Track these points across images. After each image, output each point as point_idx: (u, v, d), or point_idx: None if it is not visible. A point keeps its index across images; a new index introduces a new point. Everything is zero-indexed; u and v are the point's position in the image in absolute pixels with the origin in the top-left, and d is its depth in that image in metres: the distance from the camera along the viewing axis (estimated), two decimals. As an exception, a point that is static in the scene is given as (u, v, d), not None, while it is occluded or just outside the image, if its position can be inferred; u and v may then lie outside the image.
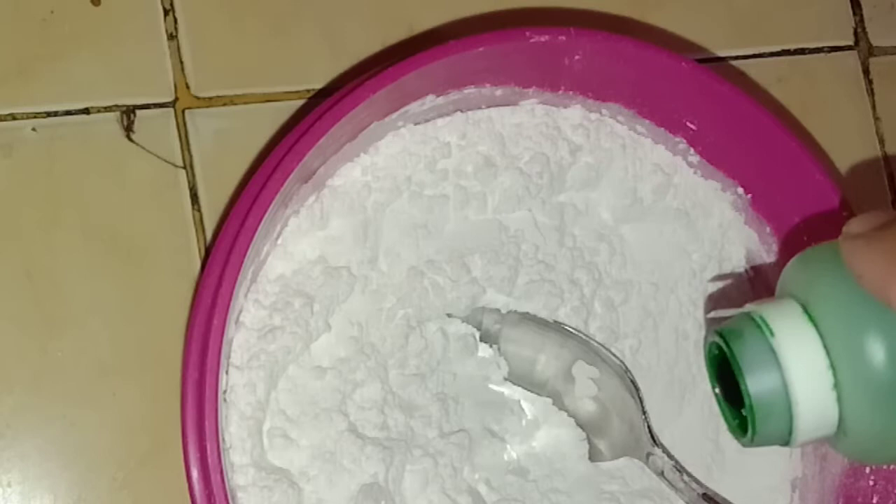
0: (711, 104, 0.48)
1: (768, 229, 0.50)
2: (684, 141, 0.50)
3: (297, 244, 0.45)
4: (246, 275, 0.42)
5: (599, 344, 0.48)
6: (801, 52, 0.58)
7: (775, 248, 0.50)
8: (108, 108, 0.48)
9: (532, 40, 0.44)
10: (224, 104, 0.50)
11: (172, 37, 0.49)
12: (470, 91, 0.46)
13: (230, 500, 0.40)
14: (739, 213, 0.51)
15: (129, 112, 0.48)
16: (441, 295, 0.47)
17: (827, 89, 0.58)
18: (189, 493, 0.39)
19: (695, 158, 0.50)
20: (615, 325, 0.50)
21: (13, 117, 0.47)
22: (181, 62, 0.49)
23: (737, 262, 0.51)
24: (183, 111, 0.49)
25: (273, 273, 0.45)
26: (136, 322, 0.47)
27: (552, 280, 0.48)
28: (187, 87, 0.49)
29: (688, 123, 0.49)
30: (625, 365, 0.48)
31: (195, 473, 0.39)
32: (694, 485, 0.46)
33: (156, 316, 0.47)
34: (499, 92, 0.47)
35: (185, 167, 0.49)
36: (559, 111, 0.49)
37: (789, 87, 0.57)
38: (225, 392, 0.42)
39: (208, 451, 0.39)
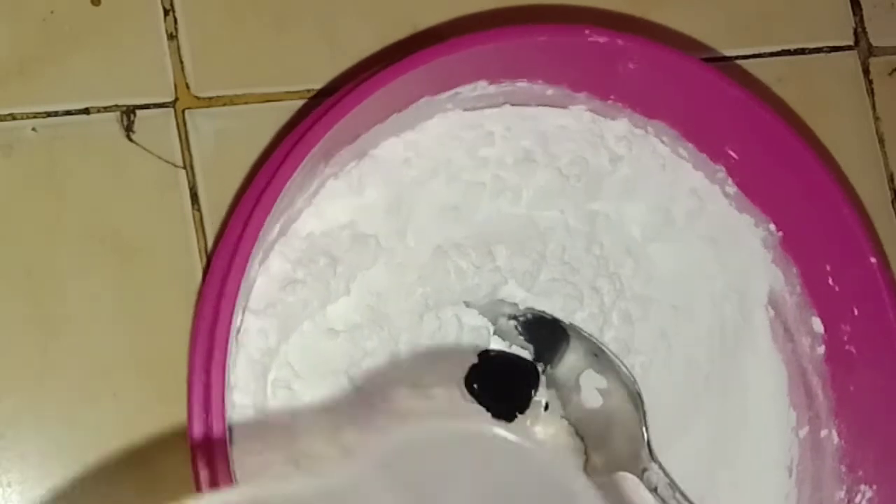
0: (756, 135, 0.47)
1: (795, 270, 0.49)
2: (724, 170, 0.49)
3: (330, 205, 0.45)
4: (275, 227, 0.42)
5: (613, 354, 0.48)
6: (801, 52, 0.58)
7: (798, 290, 0.49)
8: (108, 108, 0.48)
9: (591, 39, 0.45)
10: (224, 104, 0.50)
11: (172, 37, 0.49)
12: (522, 85, 0.46)
13: (226, 429, 0.39)
14: (768, 251, 0.50)
15: (129, 112, 0.48)
16: (462, 279, 0.47)
17: (827, 89, 0.58)
18: (187, 403, 0.40)
19: (732, 189, 0.50)
20: (629, 339, 0.49)
21: (13, 117, 0.47)
22: (181, 62, 0.49)
23: (758, 298, 0.51)
24: (183, 111, 0.49)
25: (304, 229, 0.45)
26: (137, 322, 0.47)
27: (574, 283, 0.48)
28: (187, 87, 0.49)
29: (730, 151, 0.48)
30: (633, 376, 0.48)
31: (197, 387, 0.39)
32: (685, 503, 0.46)
33: (156, 316, 0.47)
34: (550, 91, 0.47)
35: (185, 167, 0.49)
36: (606, 121, 0.49)
37: (789, 87, 0.57)
38: (238, 333, 0.42)
39: (213, 368, 0.39)
